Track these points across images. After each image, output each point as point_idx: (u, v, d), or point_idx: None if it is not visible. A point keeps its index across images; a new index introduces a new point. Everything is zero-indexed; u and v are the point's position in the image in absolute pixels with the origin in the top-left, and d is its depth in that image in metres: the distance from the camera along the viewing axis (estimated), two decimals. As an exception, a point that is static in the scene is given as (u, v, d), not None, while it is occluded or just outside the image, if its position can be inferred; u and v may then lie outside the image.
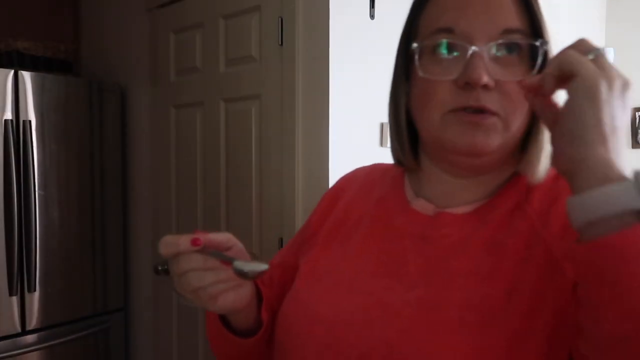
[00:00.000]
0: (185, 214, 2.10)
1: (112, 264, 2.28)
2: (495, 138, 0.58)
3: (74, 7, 2.60)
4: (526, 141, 0.63)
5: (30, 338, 1.98)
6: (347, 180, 0.82)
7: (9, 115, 1.91)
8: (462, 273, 0.59)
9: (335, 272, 0.68)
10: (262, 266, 0.58)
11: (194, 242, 0.57)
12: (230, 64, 1.88)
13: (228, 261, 0.58)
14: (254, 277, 0.59)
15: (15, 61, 2.20)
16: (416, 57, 0.61)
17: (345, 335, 0.61)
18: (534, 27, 0.59)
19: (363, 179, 0.80)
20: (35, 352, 1.98)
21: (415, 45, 0.61)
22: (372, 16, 1.67)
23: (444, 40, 0.59)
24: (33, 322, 1.99)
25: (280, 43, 1.68)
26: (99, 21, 2.50)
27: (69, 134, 2.10)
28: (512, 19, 0.58)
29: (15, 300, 1.93)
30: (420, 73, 0.60)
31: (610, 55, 4.10)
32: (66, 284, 2.10)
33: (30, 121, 1.96)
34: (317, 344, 0.63)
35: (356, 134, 1.65)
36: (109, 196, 2.26)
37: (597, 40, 4.01)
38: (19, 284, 1.94)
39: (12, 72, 1.93)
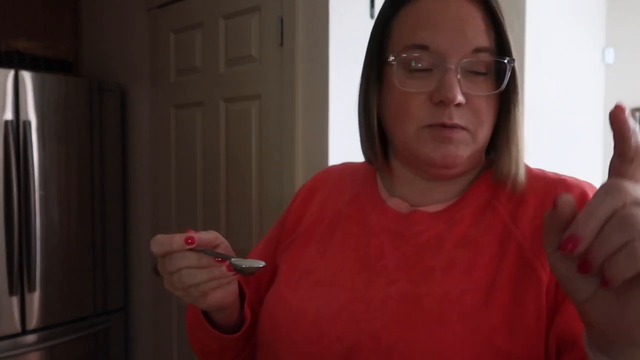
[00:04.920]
0: (185, 214, 2.10)
1: (112, 264, 2.28)
2: (465, 150, 0.63)
3: (74, 7, 2.60)
4: (493, 143, 0.67)
5: (30, 338, 1.98)
6: (320, 179, 0.84)
7: (9, 115, 1.91)
8: (440, 268, 0.62)
9: (317, 269, 0.70)
10: (259, 263, 0.60)
11: (188, 240, 0.58)
12: (230, 64, 1.88)
13: (221, 258, 0.60)
14: (251, 274, 0.61)
15: (15, 61, 2.20)
16: (394, 68, 0.63)
17: (332, 329, 0.63)
18: (501, 45, 0.63)
19: (335, 177, 0.82)
20: (35, 352, 1.98)
21: (392, 58, 0.63)
22: (372, 16, 1.67)
23: (420, 57, 0.62)
24: (33, 322, 1.98)
25: (280, 43, 1.67)
26: (99, 21, 2.50)
27: (69, 134, 2.10)
28: (482, 38, 0.61)
29: (15, 300, 1.93)
30: (398, 85, 0.63)
31: (610, 56, 4.10)
32: (66, 284, 2.10)
33: (30, 121, 1.96)
34: (304, 339, 0.64)
35: (356, 133, 1.65)
36: (109, 196, 2.26)
37: (597, 40, 4.03)
38: (19, 284, 1.94)
39: (12, 72, 1.92)
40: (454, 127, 0.61)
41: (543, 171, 0.69)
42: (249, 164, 1.81)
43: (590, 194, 0.61)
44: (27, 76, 1.96)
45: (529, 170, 0.68)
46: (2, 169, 1.89)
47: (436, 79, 0.61)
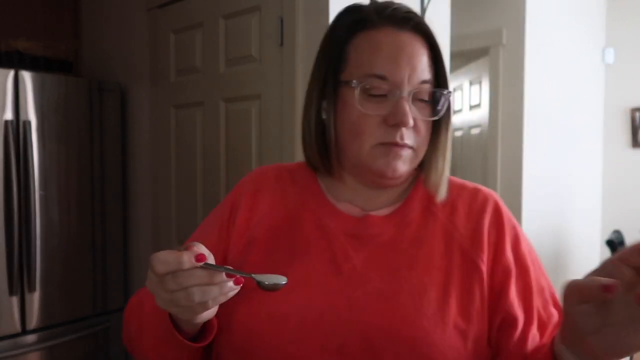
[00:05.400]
0: (185, 214, 2.10)
1: (112, 264, 2.28)
2: (409, 165, 0.75)
3: (74, 7, 2.60)
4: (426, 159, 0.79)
5: (30, 338, 1.98)
6: (258, 180, 0.86)
7: (9, 115, 1.91)
8: (404, 267, 0.72)
9: (287, 273, 0.70)
10: (282, 279, 0.61)
11: (199, 258, 0.56)
12: (230, 64, 1.88)
13: (231, 273, 0.58)
14: (274, 290, 0.60)
15: (15, 61, 2.20)
16: (356, 92, 0.72)
17: (319, 330, 0.67)
18: (438, 78, 0.75)
19: (272, 178, 0.85)
20: (35, 352, 1.98)
21: (355, 83, 0.72)
22: (372, 16, 1.67)
23: (379, 85, 0.72)
24: (33, 322, 1.98)
25: (280, 43, 1.68)
26: (99, 21, 2.50)
27: (69, 134, 2.10)
28: (427, 72, 0.73)
29: (15, 300, 1.93)
30: (359, 107, 0.72)
31: (610, 56, 4.10)
32: (66, 284, 2.10)
33: (30, 121, 1.96)
34: (289, 341, 0.67)
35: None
36: (109, 196, 2.26)
37: (597, 40, 4.02)
38: (19, 284, 1.94)
39: (12, 72, 1.92)
40: (403, 146, 0.72)
41: (461, 181, 0.83)
42: (249, 164, 1.81)
43: (500, 203, 0.80)
44: (27, 76, 1.96)
45: (452, 181, 0.81)
46: (2, 169, 1.89)
47: (391, 104, 0.71)
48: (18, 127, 1.94)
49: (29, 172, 1.95)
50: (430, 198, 0.79)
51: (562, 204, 3.54)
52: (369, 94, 0.72)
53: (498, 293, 0.72)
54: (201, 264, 0.56)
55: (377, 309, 0.68)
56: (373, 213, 0.77)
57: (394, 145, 0.72)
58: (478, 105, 3.39)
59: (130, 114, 2.35)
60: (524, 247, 0.77)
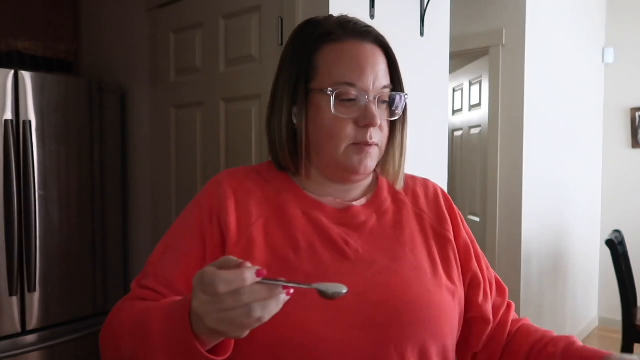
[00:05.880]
0: (185, 214, 2.10)
1: (112, 264, 2.28)
2: (376, 161, 0.86)
3: (74, 7, 2.60)
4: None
5: (30, 338, 1.98)
6: (233, 181, 0.88)
7: (9, 115, 1.91)
8: (395, 247, 0.85)
9: (299, 266, 0.78)
10: (344, 288, 0.61)
11: (259, 273, 0.56)
12: (230, 64, 1.88)
13: (289, 285, 0.58)
14: (336, 299, 0.61)
15: (15, 61, 2.20)
16: (331, 98, 0.80)
17: (346, 309, 0.74)
18: (395, 82, 0.86)
19: (247, 180, 0.88)
20: (35, 352, 1.98)
21: (330, 90, 0.80)
22: (372, 16, 1.67)
23: (349, 92, 0.81)
24: (33, 322, 1.99)
25: (280, 43, 1.68)
26: (99, 21, 2.50)
27: (69, 134, 2.10)
28: (386, 78, 0.84)
29: (15, 300, 1.93)
30: (334, 112, 0.80)
31: (610, 55, 4.10)
32: (66, 284, 2.10)
33: (30, 121, 1.96)
34: (317, 329, 0.73)
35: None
36: (109, 196, 2.26)
37: (597, 40, 4.01)
38: (19, 284, 1.94)
39: (12, 72, 1.92)
40: (372, 144, 0.83)
41: (410, 174, 0.97)
42: (249, 164, 1.81)
43: (444, 190, 0.97)
44: (27, 76, 1.96)
45: (404, 174, 0.94)
46: (2, 169, 1.89)
47: (360, 108, 0.81)
48: (18, 127, 1.94)
49: (28, 172, 1.95)
50: (394, 188, 0.92)
51: (562, 204, 3.54)
52: (340, 100, 0.81)
53: (464, 258, 0.91)
54: (260, 278, 0.56)
55: (392, 283, 0.80)
56: (353, 204, 0.87)
57: (364, 145, 0.82)
58: (478, 105, 3.39)
59: (130, 114, 2.35)
60: (466, 224, 0.97)
